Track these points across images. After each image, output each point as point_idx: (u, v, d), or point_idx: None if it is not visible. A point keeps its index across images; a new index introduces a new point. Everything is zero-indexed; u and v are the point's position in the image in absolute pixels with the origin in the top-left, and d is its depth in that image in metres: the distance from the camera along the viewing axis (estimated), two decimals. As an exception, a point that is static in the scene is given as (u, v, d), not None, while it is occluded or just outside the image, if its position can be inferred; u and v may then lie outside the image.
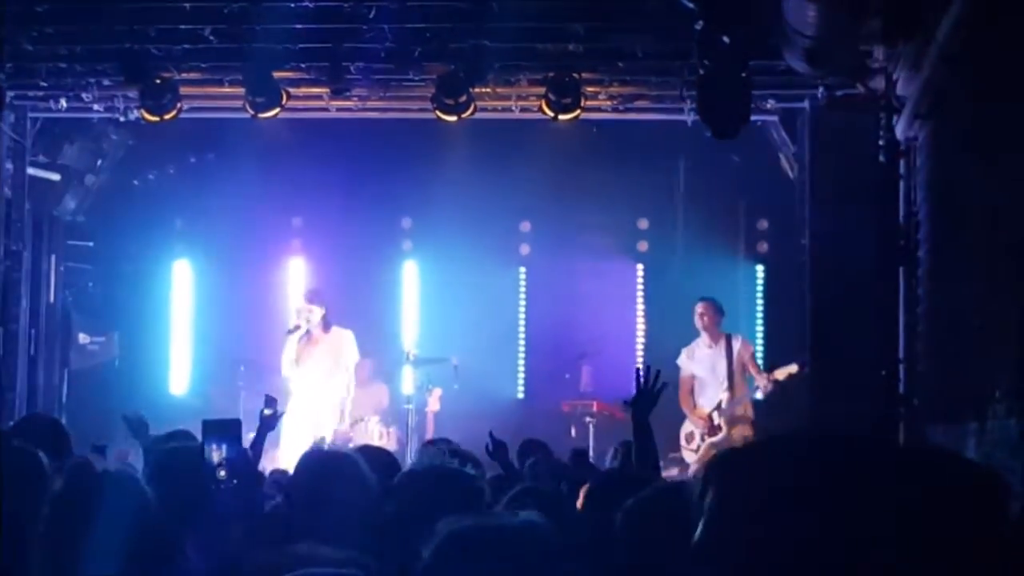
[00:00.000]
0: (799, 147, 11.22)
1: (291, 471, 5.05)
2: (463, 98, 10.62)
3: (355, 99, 11.31)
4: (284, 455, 10.97)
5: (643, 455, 5.71)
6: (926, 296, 9.36)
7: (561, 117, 10.72)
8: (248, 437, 5.74)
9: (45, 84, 11.12)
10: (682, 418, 11.81)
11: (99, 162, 13.25)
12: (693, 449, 11.69)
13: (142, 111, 10.88)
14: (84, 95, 11.26)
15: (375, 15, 9.93)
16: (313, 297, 12.19)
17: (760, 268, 14.26)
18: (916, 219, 9.68)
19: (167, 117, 10.85)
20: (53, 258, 12.96)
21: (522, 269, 14.72)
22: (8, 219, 11.64)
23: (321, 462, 4.62)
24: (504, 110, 11.34)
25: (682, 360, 11.87)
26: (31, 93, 11.34)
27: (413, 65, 10.61)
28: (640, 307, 14.48)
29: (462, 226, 13.68)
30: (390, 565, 3.69)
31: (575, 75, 10.53)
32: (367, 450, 5.84)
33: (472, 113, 10.80)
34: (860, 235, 10.32)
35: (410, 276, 14.78)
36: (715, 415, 11.63)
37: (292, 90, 10.92)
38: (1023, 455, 6.08)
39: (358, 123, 12.16)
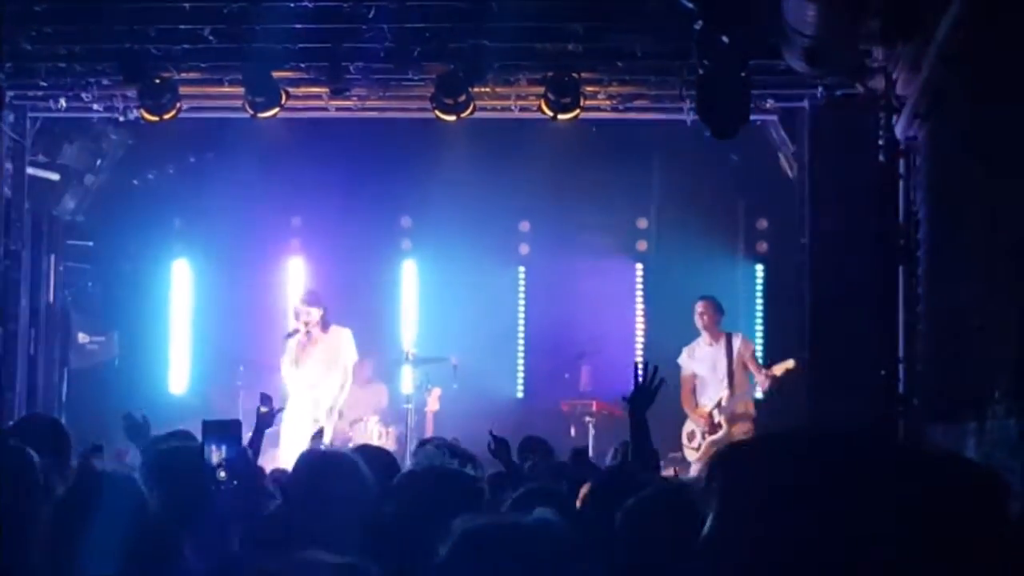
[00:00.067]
0: (798, 147, 11.22)
1: (290, 470, 5.05)
2: (462, 98, 10.63)
3: (354, 99, 11.32)
4: (284, 454, 10.98)
5: (640, 452, 5.69)
6: (925, 296, 9.36)
7: (560, 117, 10.72)
8: (247, 437, 5.74)
9: (45, 84, 11.12)
10: (683, 417, 11.82)
11: (98, 162, 13.25)
12: (694, 448, 11.70)
13: (141, 111, 10.88)
14: (84, 95, 11.26)
15: (374, 15, 9.93)
16: (311, 299, 12.18)
17: (760, 267, 14.26)
18: (915, 219, 9.69)
19: (166, 117, 10.86)
20: (52, 258, 12.96)
21: (521, 268, 14.72)
22: (7, 219, 11.64)
23: (320, 462, 4.62)
24: (503, 110, 11.34)
25: (683, 359, 11.88)
26: (31, 93, 11.34)
27: (412, 65, 10.61)
28: (639, 306, 14.48)
29: (461, 226, 13.68)
30: (390, 566, 3.69)
31: (574, 75, 10.54)
32: (366, 450, 5.84)
33: (471, 113, 10.80)
34: (859, 235, 10.33)
35: (409, 275, 14.78)
36: (715, 413, 11.64)
37: (291, 90, 10.92)
38: (1022, 455, 6.08)
39: (357, 123, 12.16)
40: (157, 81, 10.69)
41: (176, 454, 4.85)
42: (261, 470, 6.37)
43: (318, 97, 11.33)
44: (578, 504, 4.70)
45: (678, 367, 11.75)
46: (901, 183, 10.03)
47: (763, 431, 10.84)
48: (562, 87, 10.57)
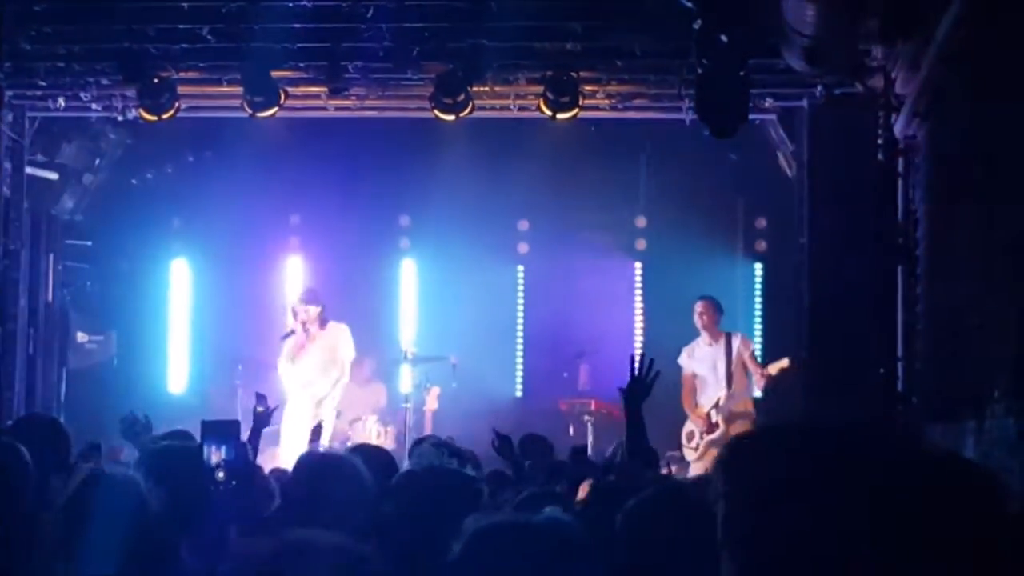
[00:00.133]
0: (797, 146, 11.22)
1: (290, 470, 5.05)
2: (461, 97, 10.62)
3: (353, 98, 11.31)
4: (284, 453, 10.98)
5: (635, 446, 5.59)
6: (924, 295, 9.36)
7: (559, 116, 10.72)
8: (245, 436, 5.74)
9: (43, 83, 11.11)
10: (683, 417, 11.82)
11: (97, 161, 13.24)
12: (693, 448, 11.71)
13: (140, 110, 10.87)
14: (82, 94, 11.25)
15: (373, 14, 9.93)
16: (310, 297, 12.17)
17: (758, 266, 14.27)
18: (914, 218, 9.69)
19: (165, 116, 10.85)
20: (51, 257, 12.96)
21: (520, 267, 14.72)
22: (6, 218, 11.63)
23: (319, 465, 4.62)
24: (502, 109, 11.33)
25: (683, 359, 11.88)
26: (29, 92, 11.33)
27: (411, 64, 10.61)
28: (638, 305, 14.48)
29: (460, 224, 13.68)
30: (390, 564, 3.69)
31: (573, 74, 10.53)
32: (365, 449, 5.84)
33: (470, 112, 10.79)
34: (858, 234, 10.32)
35: (408, 274, 14.77)
36: (713, 413, 11.64)
37: (290, 89, 10.91)
38: (1021, 454, 6.08)
39: (356, 121, 12.14)
40: (156, 81, 10.69)
41: (171, 453, 4.84)
42: (260, 468, 6.38)
43: (317, 97, 11.32)
44: (577, 502, 4.70)
45: (678, 367, 11.77)
46: (900, 182, 10.03)
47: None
48: (561, 86, 10.56)
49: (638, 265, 14.56)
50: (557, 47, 10.38)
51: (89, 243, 13.90)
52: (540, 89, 10.70)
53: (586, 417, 12.79)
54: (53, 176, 12.75)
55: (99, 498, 3.63)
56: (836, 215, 10.55)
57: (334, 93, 11.06)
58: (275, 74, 10.62)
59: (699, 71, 9.62)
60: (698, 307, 11.90)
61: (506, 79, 10.92)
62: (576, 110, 10.69)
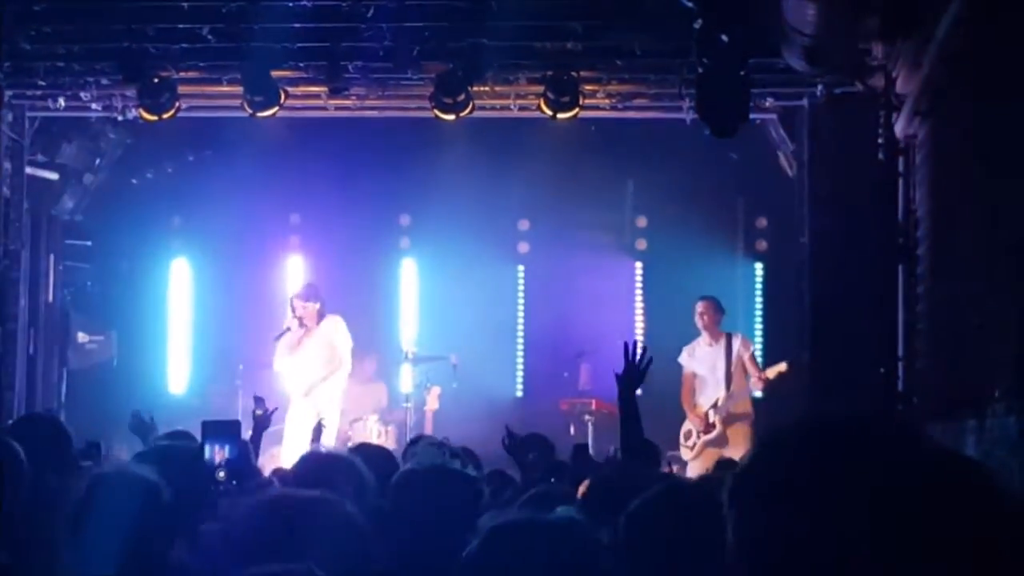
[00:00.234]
0: (798, 145, 11.22)
1: (291, 473, 5.04)
2: (461, 97, 10.62)
3: (353, 98, 11.30)
4: (285, 453, 10.98)
5: (630, 440, 5.50)
6: (925, 294, 9.36)
7: (560, 115, 10.72)
8: (245, 438, 5.74)
9: (43, 83, 11.11)
10: (682, 417, 11.83)
11: (97, 161, 13.24)
12: (690, 447, 11.73)
13: (140, 110, 10.87)
14: (82, 94, 11.25)
15: (373, 14, 9.93)
16: (309, 293, 12.17)
17: (759, 266, 14.27)
18: (915, 217, 9.69)
19: (165, 116, 10.84)
20: (51, 257, 12.95)
21: (521, 267, 14.72)
22: (6, 218, 11.63)
23: (319, 466, 4.61)
24: (503, 109, 11.34)
25: (683, 359, 11.89)
26: (29, 92, 11.33)
27: (411, 64, 10.60)
28: (639, 305, 14.48)
29: (461, 224, 13.68)
30: (391, 563, 3.69)
31: (573, 73, 10.53)
32: (365, 448, 5.84)
33: (470, 112, 10.79)
34: (859, 233, 10.32)
35: (408, 274, 14.77)
36: (711, 413, 11.65)
37: (290, 89, 10.91)
38: (1022, 453, 6.08)
39: (356, 121, 12.14)
40: (156, 80, 10.68)
41: (170, 453, 4.84)
42: (259, 471, 6.38)
43: (317, 96, 11.31)
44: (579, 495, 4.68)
45: (678, 366, 11.78)
46: (901, 181, 10.03)
47: (761, 431, 10.85)
48: (561, 86, 10.56)
49: (638, 265, 14.57)
50: (557, 47, 10.37)
51: (89, 243, 13.90)
52: (540, 89, 10.70)
53: (587, 417, 12.80)
54: (53, 176, 12.75)
55: (112, 496, 3.63)
56: (837, 215, 10.54)
57: (334, 93, 11.06)
58: (275, 74, 10.61)
59: (699, 71, 9.62)
60: (699, 307, 11.90)
61: (506, 79, 10.92)
62: (576, 110, 10.69)
